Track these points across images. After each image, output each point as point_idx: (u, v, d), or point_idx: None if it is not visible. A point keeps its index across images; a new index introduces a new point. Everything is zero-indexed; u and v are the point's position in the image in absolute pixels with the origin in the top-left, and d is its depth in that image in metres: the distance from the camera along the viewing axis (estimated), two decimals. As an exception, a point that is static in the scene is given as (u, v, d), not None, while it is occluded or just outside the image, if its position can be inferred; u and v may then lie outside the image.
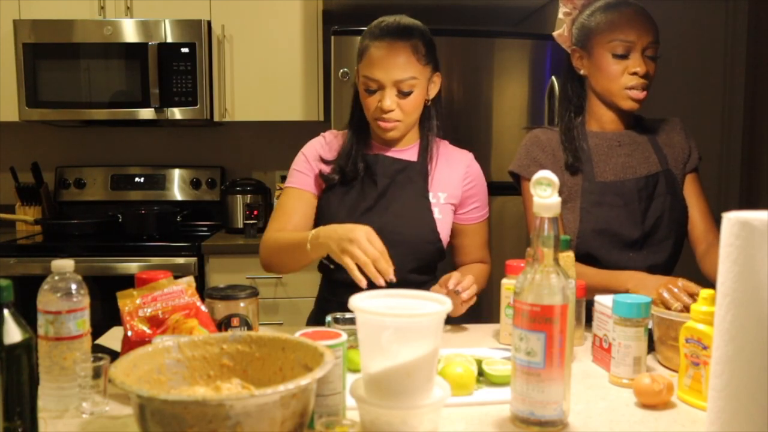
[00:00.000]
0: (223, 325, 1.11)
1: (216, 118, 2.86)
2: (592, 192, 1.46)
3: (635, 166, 1.48)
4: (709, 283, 1.25)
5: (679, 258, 1.52)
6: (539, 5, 2.79)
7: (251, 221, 2.82)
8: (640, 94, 1.43)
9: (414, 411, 0.83)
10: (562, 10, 1.55)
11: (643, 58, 1.42)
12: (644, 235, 1.45)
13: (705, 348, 0.96)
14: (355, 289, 1.02)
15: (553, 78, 2.41)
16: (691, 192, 1.53)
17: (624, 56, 1.42)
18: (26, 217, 2.96)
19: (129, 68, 2.73)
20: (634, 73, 1.42)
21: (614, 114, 1.50)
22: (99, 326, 1.16)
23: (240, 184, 2.98)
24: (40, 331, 0.95)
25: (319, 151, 1.56)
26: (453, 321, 1.39)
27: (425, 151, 1.51)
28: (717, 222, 1.29)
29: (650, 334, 1.09)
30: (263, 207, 2.96)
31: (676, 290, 1.16)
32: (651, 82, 1.45)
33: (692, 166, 1.54)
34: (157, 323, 1.01)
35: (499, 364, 1.06)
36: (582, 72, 1.51)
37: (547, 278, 0.86)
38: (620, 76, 1.43)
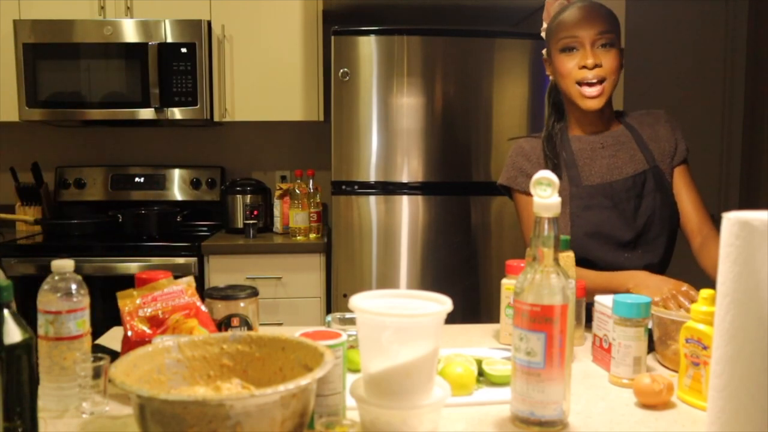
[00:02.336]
0: (223, 325, 1.11)
1: (216, 118, 2.86)
2: (580, 197, 1.45)
3: (621, 167, 1.47)
4: (707, 277, 1.26)
5: (673, 253, 1.52)
6: (539, 5, 2.79)
7: (251, 221, 2.82)
8: (593, 91, 1.40)
9: (414, 411, 0.83)
10: (542, 29, 1.55)
11: (592, 51, 1.40)
12: (637, 234, 1.44)
13: (705, 348, 0.96)
14: None
15: (553, 78, 2.41)
16: (681, 185, 1.50)
17: (572, 52, 1.42)
18: (26, 217, 2.96)
19: (129, 68, 2.73)
20: (584, 67, 1.40)
21: (588, 117, 1.49)
22: (99, 326, 1.16)
23: (240, 184, 2.98)
24: (40, 331, 0.95)
25: None
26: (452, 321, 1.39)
27: None
28: (713, 216, 1.29)
29: (650, 334, 1.09)
30: (263, 207, 2.97)
31: (681, 298, 1.17)
32: (614, 74, 1.42)
33: (680, 158, 1.51)
34: (157, 323, 1.01)
35: (499, 364, 1.06)
36: (551, 77, 1.53)
37: (547, 278, 0.86)
38: (572, 72, 1.42)
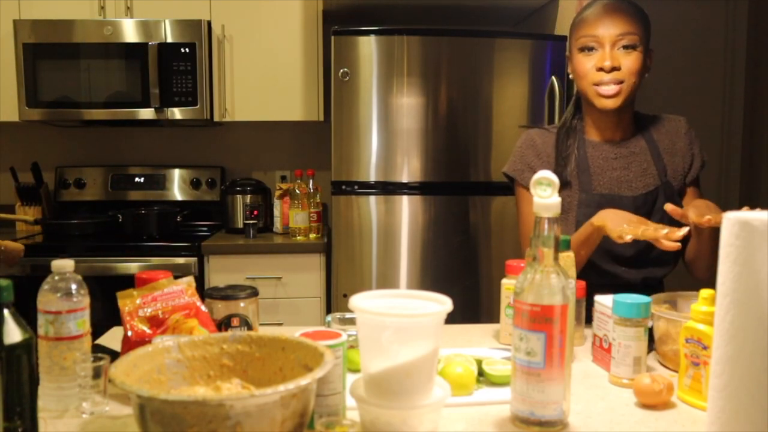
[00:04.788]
0: (223, 325, 1.11)
1: (216, 118, 2.86)
2: (588, 205, 1.41)
3: (632, 180, 1.44)
4: (705, 280, 1.25)
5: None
6: (539, 5, 2.79)
7: (251, 221, 2.82)
8: (610, 90, 1.36)
9: (414, 411, 0.83)
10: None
11: (612, 52, 1.35)
12: (638, 252, 1.41)
13: (705, 348, 0.96)
14: None
15: (553, 78, 2.41)
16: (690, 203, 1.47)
17: (591, 52, 1.38)
18: (26, 217, 2.96)
19: (129, 68, 2.73)
20: (601, 69, 1.36)
21: (605, 120, 1.45)
22: (99, 326, 1.16)
23: (240, 184, 2.98)
24: (40, 331, 0.95)
25: None
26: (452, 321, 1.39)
27: None
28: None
29: (650, 334, 1.09)
30: (263, 207, 2.97)
31: (643, 228, 1.20)
32: (634, 77, 1.37)
33: (693, 176, 1.48)
34: (157, 323, 1.01)
35: (499, 364, 1.06)
36: (571, 76, 1.48)
37: (547, 278, 0.86)
38: (589, 73, 1.38)
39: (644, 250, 1.41)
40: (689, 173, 1.48)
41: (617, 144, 1.46)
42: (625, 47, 1.36)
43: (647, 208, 1.42)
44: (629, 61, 1.36)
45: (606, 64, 1.35)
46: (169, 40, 2.73)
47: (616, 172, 1.44)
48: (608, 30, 1.36)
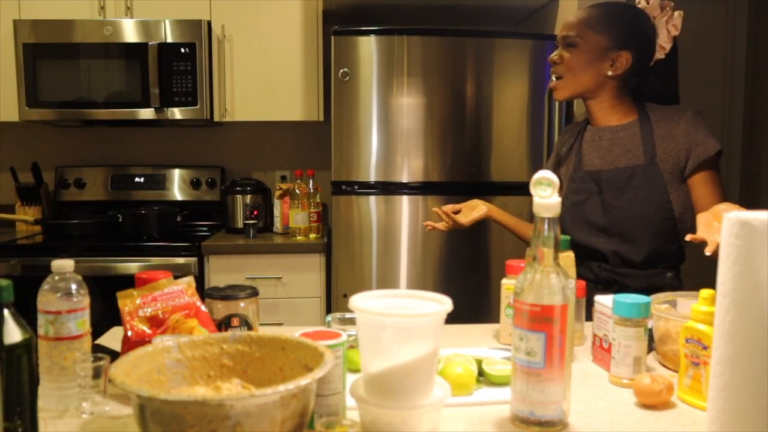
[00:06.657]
0: (223, 325, 1.11)
1: (216, 118, 2.86)
2: (574, 181, 1.59)
3: (613, 160, 1.53)
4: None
5: (675, 260, 1.51)
6: (539, 5, 2.79)
7: (251, 221, 2.82)
8: (552, 83, 1.57)
9: (414, 411, 0.83)
10: None
11: (560, 50, 1.54)
12: (611, 223, 1.50)
13: (705, 348, 0.96)
14: None
15: (553, 78, 2.41)
16: (704, 192, 1.44)
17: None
18: (26, 217, 2.96)
19: (129, 68, 2.73)
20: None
21: (589, 109, 1.59)
22: (99, 326, 1.16)
23: (240, 184, 2.98)
24: (40, 331, 0.95)
25: None
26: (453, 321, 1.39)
27: None
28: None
29: (650, 334, 1.09)
30: (263, 207, 2.97)
31: None
32: (572, 72, 1.51)
33: (696, 161, 1.45)
34: (157, 323, 1.01)
35: (499, 364, 1.06)
36: None
37: (547, 278, 0.86)
38: None
39: (617, 223, 1.50)
40: (689, 160, 1.45)
41: (608, 129, 1.57)
42: (567, 45, 1.53)
43: (618, 182, 1.51)
44: (570, 57, 1.52)
45: (549, 57, 1.56)
46: (169, 40, 2.73)
47: (599, 152, 1.56)
48: (561, 32, 1.55)
